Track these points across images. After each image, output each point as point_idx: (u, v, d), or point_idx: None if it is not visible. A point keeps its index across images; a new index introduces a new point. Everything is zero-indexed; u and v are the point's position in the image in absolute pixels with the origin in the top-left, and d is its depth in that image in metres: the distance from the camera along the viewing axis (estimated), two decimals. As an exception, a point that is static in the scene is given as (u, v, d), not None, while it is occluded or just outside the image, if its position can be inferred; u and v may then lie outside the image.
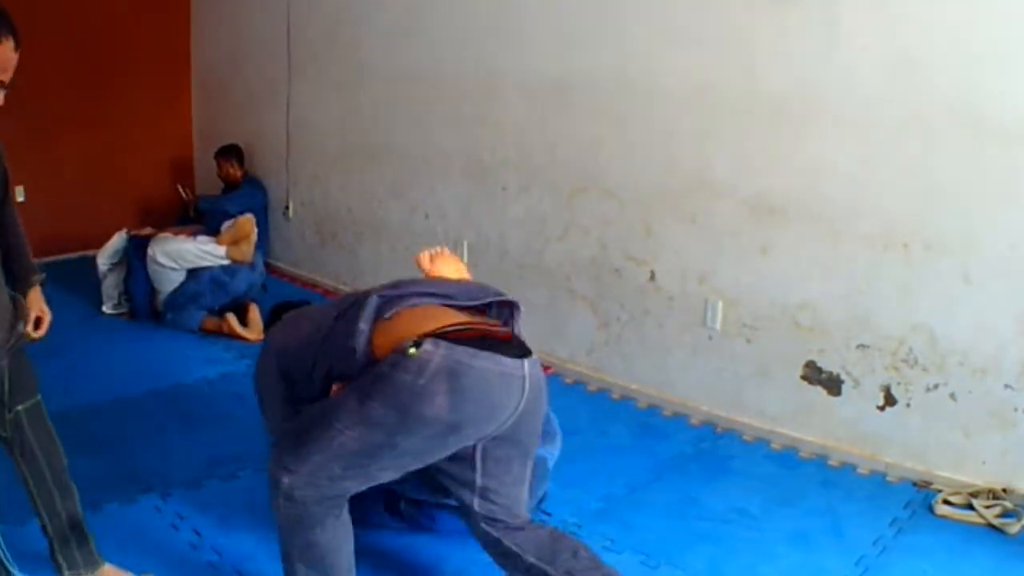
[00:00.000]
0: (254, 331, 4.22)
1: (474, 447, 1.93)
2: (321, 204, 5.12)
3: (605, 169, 3.57)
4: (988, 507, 2.63)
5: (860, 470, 2.95)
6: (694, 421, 3.34)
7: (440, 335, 1.80)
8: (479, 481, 1.96)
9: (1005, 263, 2.64)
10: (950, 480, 2.80)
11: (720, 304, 3.28)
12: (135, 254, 4.38)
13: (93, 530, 2.30)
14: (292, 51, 5.04)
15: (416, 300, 1.96)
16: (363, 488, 1.91)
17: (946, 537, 2.55)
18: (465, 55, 4.06)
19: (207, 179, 5.69)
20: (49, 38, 5.26)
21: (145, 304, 4.38)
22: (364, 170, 4.76)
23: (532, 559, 1.95)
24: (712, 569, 2.39)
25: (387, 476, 1.92)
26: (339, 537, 1.93)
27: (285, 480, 1.84)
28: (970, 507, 2.66)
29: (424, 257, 2.30)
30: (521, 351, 1.91)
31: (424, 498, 2.38)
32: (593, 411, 3.47)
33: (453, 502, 2.12)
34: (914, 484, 2.85)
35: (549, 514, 2.62)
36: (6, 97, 1.92)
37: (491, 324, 1.97)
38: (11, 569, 2.06)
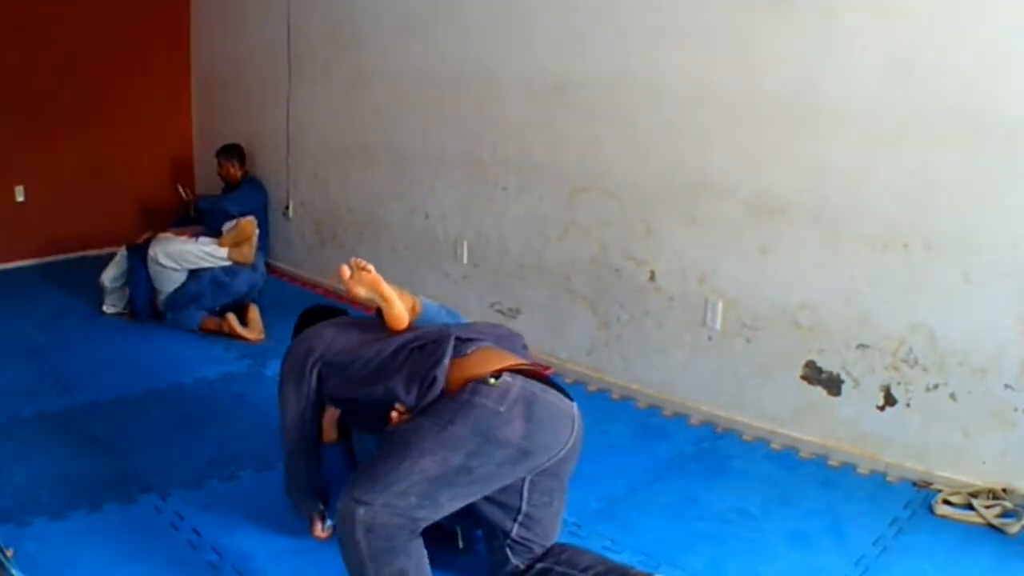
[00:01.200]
0: (254, 331, 4.23)
1: (523, 477, 2.09)
2: (321, 204, 5.12)
3: (605, 169, 3.58)
4: (988, 507, 2.63)
5: (860, 470, 2.95)
6: (694, 421, 3.34)
7: (513, 370, 2.02)
8: (524, 509, 2.13)
9: (1005, 263, 2.64)
10: (950, 480, 2.80)
11: (720, 304, 3.28)
12: (135, 254, 4.38)
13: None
14: (292, 51, 5.05)
15: (483, 343, 2.17)
16: (430, 521, 1.97)
17: (946, 537, 2.55)
18: (465, 55, 4.07)
19: (207, 179, 5.69)
20: (49, 38, 5.27)
21: (146, 304, 4.38)
22: (364, 170, 4.76)
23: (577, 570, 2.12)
24: (712, 569, 2.39)
25: (451, 508, 1.99)
26: (423, 560, 1.97)
27: (361, 511, 1.87)
28: (970, 507, 2.66)
29: (344, 271, 2.32)
30: (568, 396, 2.13)
31: (455, 528, 2.40)
32: (593, 411, 3.45)
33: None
34: (914, 484, 2.85)
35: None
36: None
37: (544, 368, 2.12)
38: (11, 569, 2.06)
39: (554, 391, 2.07)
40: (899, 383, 2.89)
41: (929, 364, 2.82)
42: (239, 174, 5.32)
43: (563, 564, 2.13)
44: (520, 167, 3.91)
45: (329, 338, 2.32)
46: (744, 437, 3.21)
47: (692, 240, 3.33)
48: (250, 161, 5.43)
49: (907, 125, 2.75)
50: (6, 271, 5.31)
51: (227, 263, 4.32)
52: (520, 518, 2.14)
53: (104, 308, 4.48)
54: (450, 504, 1.97)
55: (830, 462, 3.02)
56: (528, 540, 2.16)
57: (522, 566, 2.16)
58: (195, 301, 4.27)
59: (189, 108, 6.13)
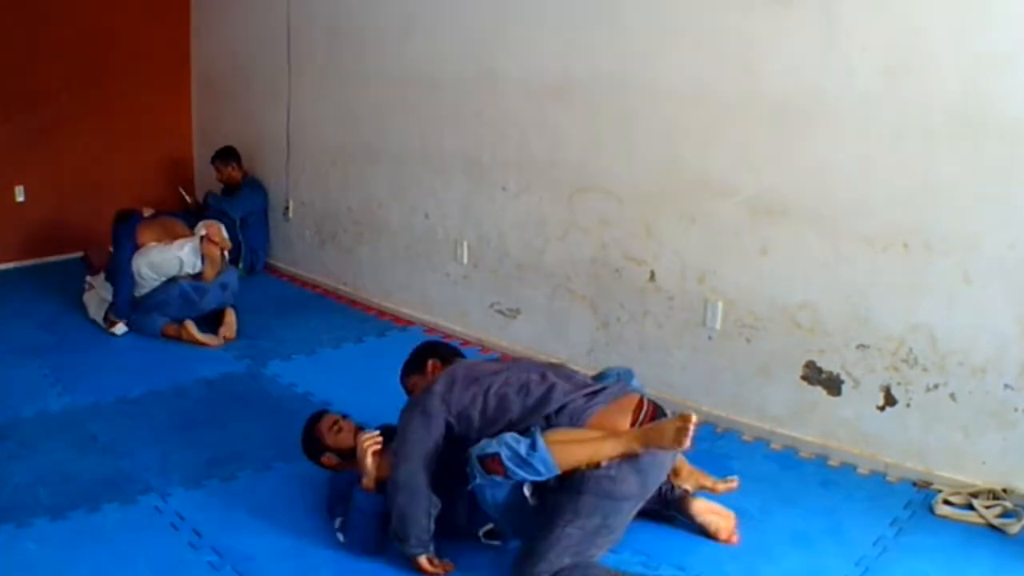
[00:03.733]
0: (228, 331, 4.18)
1: None
2: (321, 204, 5.12)
3: (605, 169, 3.57)
4: (988, 507, 2.63)
5: (860, 470, 2.95)
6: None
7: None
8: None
9: (1005, 263, 2.64)
10: (950, 480, 2.80)
11: (720, 304, 3.28)
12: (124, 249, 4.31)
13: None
14: (292, 51, 5.04)
15: (597, 405, 2.35)
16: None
17: (946, 537, 2.55)
18: (465, 55, 4.06)
19: (207, 179, 5.68)
20: (49, 38, 5.26)
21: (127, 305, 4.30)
22: (364, 170, 4.76)
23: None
24: (712, 569, 2.39)
25: (601, 552, 2.27)
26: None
27: None
28: (970, 507, 2.66)
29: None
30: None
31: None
32: (593, 411, 3.47)
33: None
34: (914, 484, 2.85)
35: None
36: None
37: (647, 405, 2.38)
38: None
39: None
40: (899, 383, 2.89)
41: (929, 364, 2.82)
42: (239, 176, 5.32)
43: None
44: (520, 167, 3.91)
45: (469, 393, 2.38)
46: (744, 437, 3.21)
47: (692, 240, 3.33)
48: (250, 161, 5.44)
49: (907, 125, 2.75)
50: (6, 271, 5.31)
51: (200, 269, 4.23)
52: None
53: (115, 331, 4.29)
54: (600, 549, 2.25)
55: (830, 462, 3.02)
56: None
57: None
58: (159, 309, 4.19)
59: (189, 108, 6.13)
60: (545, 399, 2.34)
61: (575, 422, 2.30)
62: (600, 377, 2.62)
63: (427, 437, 2.31)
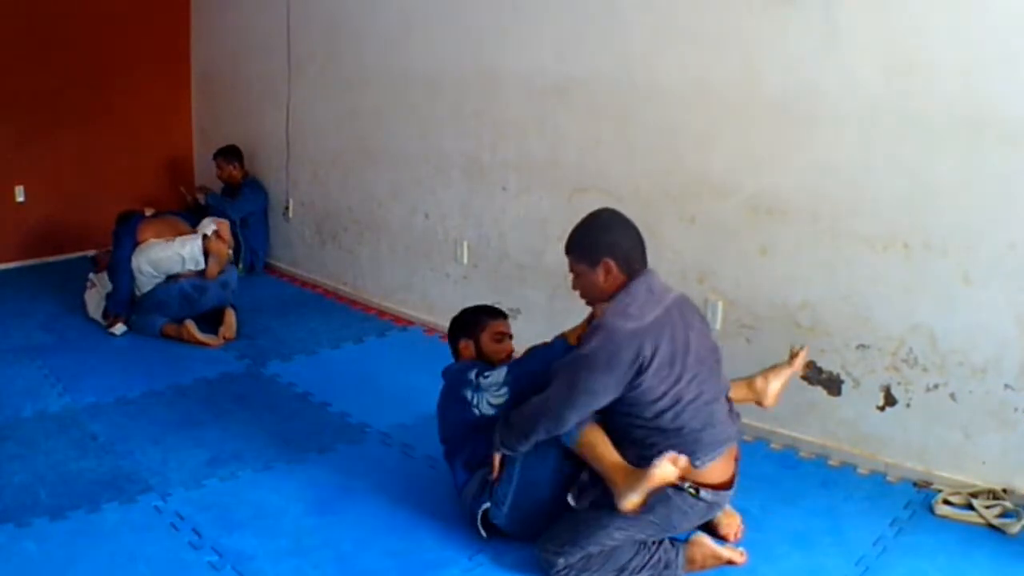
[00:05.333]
0: (228, 331, 4.18)
1: None
2: (321, 204, 5.12)
3: (605, 169, 3.57)
4: (988, 507, 2.63)
5: (860, 470, 2.95)
6: (694, 421, 3.34)
7: (714, 486, 2.28)
8: None
9: (1005, 263, 2.64)
10: (950, 480, 2.80)
11: (720, 304, 3.28)
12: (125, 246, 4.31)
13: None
14: (292, 51, 5.04)
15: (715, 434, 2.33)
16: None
17: (946, 537, 2.55)
18: (465, 55, 4.06)
19: (207, 179, 5.68)
20: (50, 38, 5.26)
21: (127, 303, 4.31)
22: (364, 170, 4.76)
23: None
24: (712, 569, 2.39)
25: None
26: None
27: (561, 562, 2.26)
28: (970, 507, 2.66)
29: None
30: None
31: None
32: (593, 411, 3.47)
33: None
34: (914, 484, 2.85)
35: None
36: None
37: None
38: None
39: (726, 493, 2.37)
40: (899, 383, 2.89)
41: (929, 364, 2.82)
42: (239, 175, 5.32)
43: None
44: (520, 167, 3.91)
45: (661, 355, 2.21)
46: (744, 437, 3.19)
47: (692, 240, 3.33)
48: (250, 162, 5.44)
49: (907, 125, 2.75)
50: (6, 271, 5.31)
51: (203, 266, 4.23)
52: None
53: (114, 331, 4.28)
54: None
55: (830, 462, 3.02)
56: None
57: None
58: (159, 309, 4.20)
59: (189, 108, 6.13)
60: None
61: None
62: None
63: (601, 391, 2.22)
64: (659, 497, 2.20)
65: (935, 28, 2.67)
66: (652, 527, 2.27)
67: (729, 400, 2.46)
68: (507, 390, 2.44)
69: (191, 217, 4.72)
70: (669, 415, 2.20)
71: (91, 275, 4.55)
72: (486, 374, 2.49)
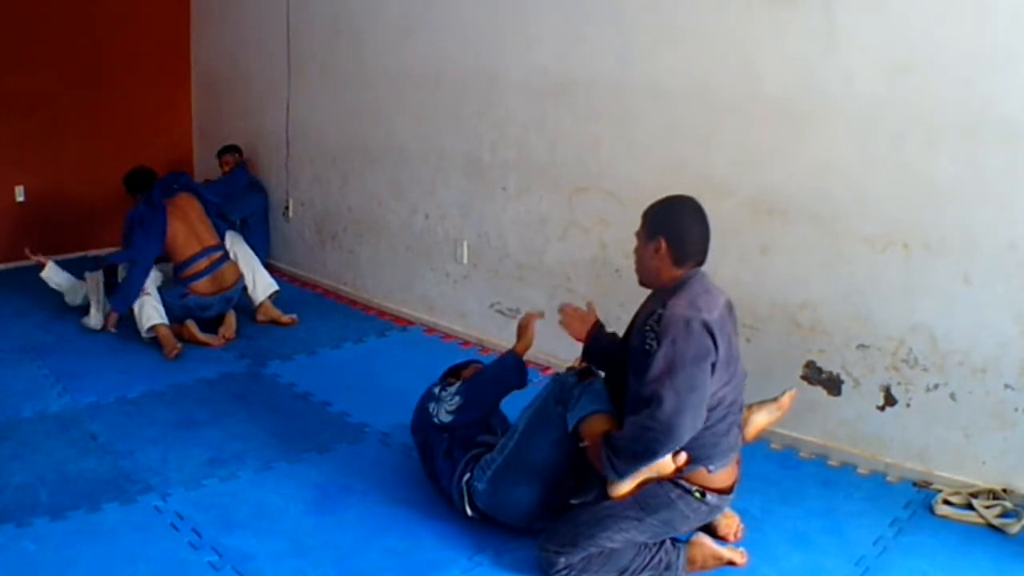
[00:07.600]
0: (228, 331, 4.18)
1: None
2: (321, 204, 5.12)
3: (605, 169, 3.57)
4: (988, 507, 2.63)
5: (860, 470, 2.95)
6: (694, 421, 3.34)
7: (719, 490, 2.31)
8: None
9: (1005, 263, 2.64)
10: (950, 480, 2.80)
11: (720, 304, 3.28)
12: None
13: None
14: (292, 51, 5.04)
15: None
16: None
17: (946, 537, 2.55)
18: (466, 54, 4.06)
19: (209, 178, 5.67)
20: (49, 38, 5.26)
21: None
22: (364, 170, 4.76)
23: None
24: (712, 569, 2.39)
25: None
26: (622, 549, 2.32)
27: (561, 561, 2.26)
28: (970, 507, 2.66)
29: None
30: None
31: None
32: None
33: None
34: (914, 484, 2.85)
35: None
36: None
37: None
38: None
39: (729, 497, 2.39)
40: (899, 383, 2.89)
41: (929, 364, 2.82)
42: (232, 163, 5.32)
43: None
44: (520, 167, 3.91)
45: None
46: (744, 437, 3.21)
47: (692, 240, 3.33)
48: (250, 161, 5.44)
49: (907, 125, 2.75)
50: (7, 271, 5.31)
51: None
52: None
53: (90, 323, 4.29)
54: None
55: (830, 462, 3.02)
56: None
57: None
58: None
59: (189, 107, 6.13)
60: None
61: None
62: None
63: (703, 383, 2.21)
64: (664, 501, 2.25)
65: (935, 28, 2.67)
66: (653, 529, 2.28)
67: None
68: (459, 398, 2.64)
69: (215, 198, 4.54)
70: (711, 416, 2.21)
71: (87, 273, 4.53)
72: (447, 387, 2.72)
